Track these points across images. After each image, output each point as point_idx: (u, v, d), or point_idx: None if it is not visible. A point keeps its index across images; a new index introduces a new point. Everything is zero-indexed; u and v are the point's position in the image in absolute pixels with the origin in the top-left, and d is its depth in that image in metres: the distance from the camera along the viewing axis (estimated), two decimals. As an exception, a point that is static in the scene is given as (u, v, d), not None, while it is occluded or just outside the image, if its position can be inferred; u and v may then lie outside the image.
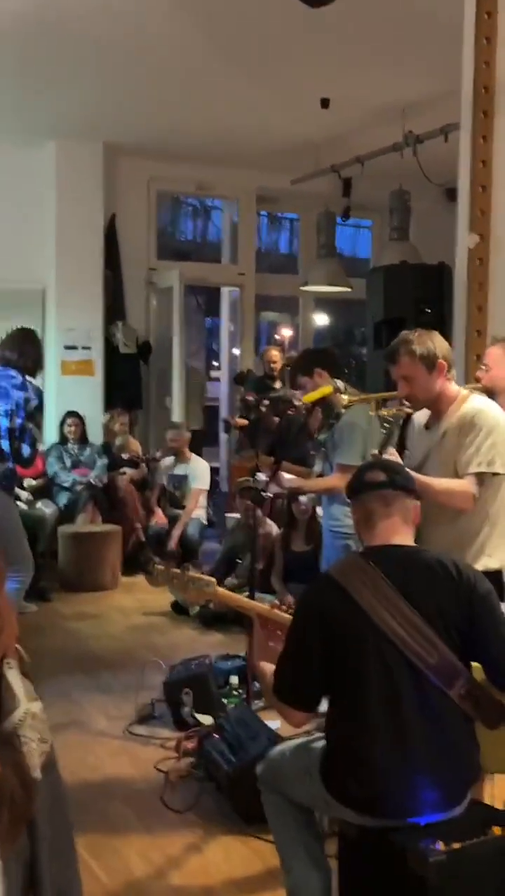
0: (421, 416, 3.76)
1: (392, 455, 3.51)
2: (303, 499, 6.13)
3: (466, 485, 3.42)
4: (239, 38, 6.46)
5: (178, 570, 3.16)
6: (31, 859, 1.74)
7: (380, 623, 2.56)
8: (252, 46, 6.59)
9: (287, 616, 3.02)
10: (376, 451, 3.52)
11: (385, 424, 3.62)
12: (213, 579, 3.15)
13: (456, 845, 2.50)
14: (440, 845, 2.49)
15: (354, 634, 2.59)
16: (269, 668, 2.84)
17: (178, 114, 8.12)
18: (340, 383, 4.32)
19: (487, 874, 2.55)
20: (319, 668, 2.63)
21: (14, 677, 1.75)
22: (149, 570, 3.28)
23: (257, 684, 4.86)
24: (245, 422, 8.61)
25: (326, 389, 4.33)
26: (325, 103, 7.56)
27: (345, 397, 4.08)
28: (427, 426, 3.69)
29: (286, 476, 4.85)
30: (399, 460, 3.53)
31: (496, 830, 2.61)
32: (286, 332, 12.55)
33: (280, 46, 6.51)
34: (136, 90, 7.57)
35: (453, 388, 3.60)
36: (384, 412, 3.96)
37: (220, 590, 3.17)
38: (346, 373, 4.96)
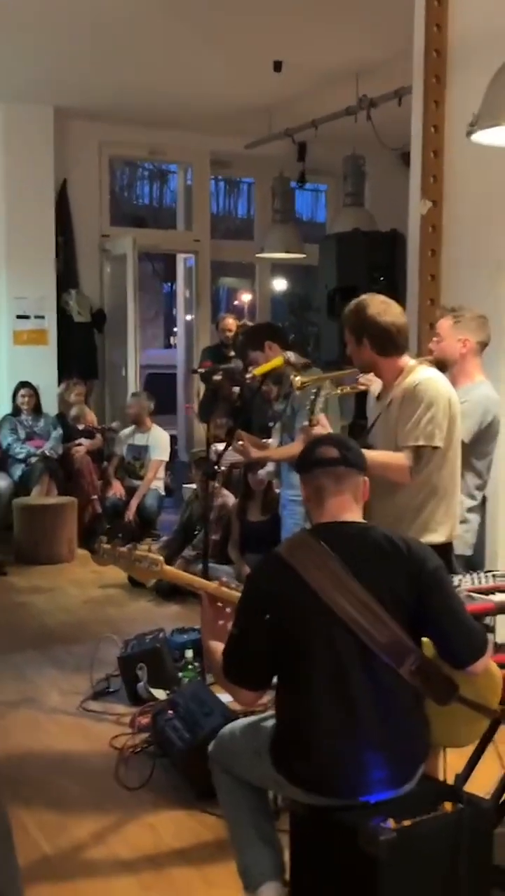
0: (378, 385, 3.71)
1: (322, 421, 3.48)
2: (261, 472, 6.08)
3: (400, 458, 3.36)
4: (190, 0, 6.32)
5: (124, 549, 3.10)
6: None
7: (329, 602, 2.53)
8: (204, 8, 6.45)
9: (235, 593, 2.98)
10: (306, 423, 3.48)
11: (312, 392, 3.61)
12: (161, 557, 3.09)
13: (406, 822, 2.49)
14: (390, 823, 2.48)
15: (303, 613, 2.55)
16: (217, 646, 2.80)
17: (129, 77, 7.96)
18: (290, 354, 4.28)
19: (438, 850, 2.55)
20: (268, 647, 2.59)
21: None
22: (94, 548, 3.20)
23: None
24: None
25: (276, 361, 4.30)
26: (277, 66, 7.45)
27: (298, 379, 4.01)
28: (378, 396, 3.65)
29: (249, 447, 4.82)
30: (328, 426, 3.50)
31: (447, 806, 2.61)
32: (245, 298, 12.45)
33: (233, 8, 6.38)
34: (85, 53, 7.40)
35: (402, 360, 3.52)
36: (303, 379, 3.95)
37: (168, 568, 3.12)
38: (297, 343, 4.92)
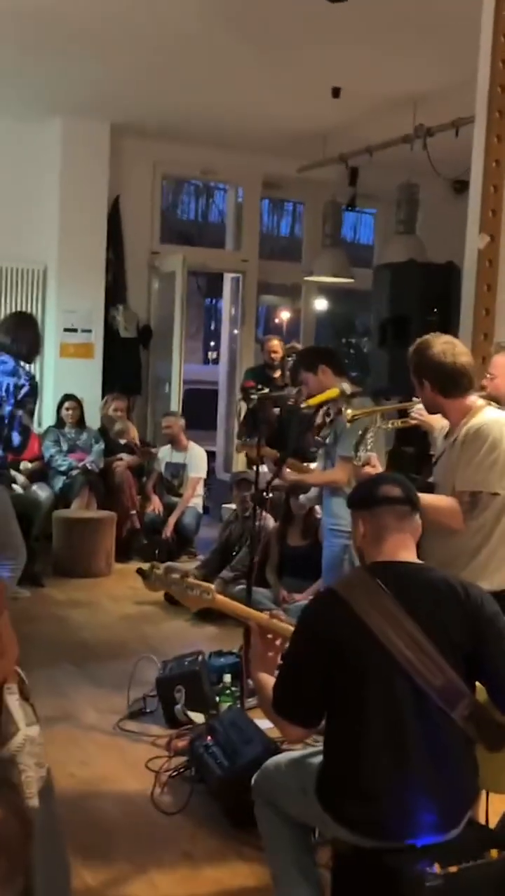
0: (434, 420, 3.69)
1: (374, 461, 3.47)
2: (302, 497, 6.08)
3: (452, 502, 3.32)
4: (252, 22, 6.36)
5: (177, 576, 3.10)
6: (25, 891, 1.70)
7: (385, 642, 2.52)
8: (265, 31, 6.49)
9: (286, 626, 2.98)
10: (353, 454, 3.47)
11: (361, 426, 3.60)
12: (213, 586, 3.09)
13: (452, 869, 2.47)
14: (436, 868, 2.46)
15: (358, 652, 2.55)
16: (267, 680, 2.80)
17: (186, 97, 8.01)
18: (345, 385, 4.28)
19: (483, 897, 2.53)
20: (320, 684, 2.58)
21: (13, 703, 1.71)
22: (146, 573, 3.20)
23: (251, 682, 4.84)
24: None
25: (332, 392, 4.30)
26: (336, 92, 7.47)
27: (349, 412, 4.01)
28: (447, 435, 3.61)
29: (286, 469, 4.84)
30: (377, 465, 3.48)
31: (493, 853, 2.58)
32: (284, 315, 12.47)
33: (293, 32, 6.41)
34: (144, 70, 7.45)
35: (469, 399, 3.48)
36: (355, 413, 3.94)
37: (220, 597, 3.11)
38: (346, 371, 4.92)
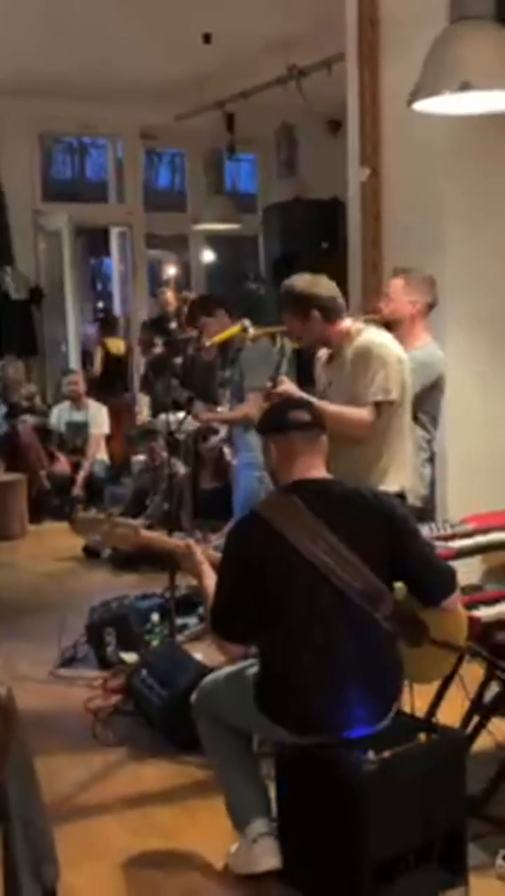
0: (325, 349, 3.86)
1: (285, 382, 3.63)
2: (212, 441, 6.22)
3: (359, 412, 3.51)
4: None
5: (102, 517, 3.22)
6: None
7: (306, 553, 2.69)
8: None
9: (210, 552, 3.14)
10: (269, 383, 3.61)
11: (274, 354, 3.75)
12: (139, 523, 3.23)
13: (386, 754, 2.69)
14: (371, 755, 2.67)
15: (283, 566, 2.72)
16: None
17: (57, 51, 7.91)
18: (247, 322, 4.42)
19: (415, 779, 2.74)
20: (252, 601, 2.75)
21: None
22: (71, 516, 3.31)
23: (179, 620, 5.00)
24: None
25: (235, 329, 4.43)
26: (207, 38, 7.49)
27: (252, 331, 4.18)
28: (329, 360, 3.79)
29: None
30: (293, 387, 3.64)
31: (422, 737, 2.81)
32: (171, 271, 12.48)
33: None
34: (12, 28, 7.36)
35: (346, 323, 3.67)
36: (256, 332, 4.14)
37: (146, 532, 3.25)
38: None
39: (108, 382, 9.55)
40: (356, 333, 3.66)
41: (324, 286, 3.66)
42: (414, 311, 4.27)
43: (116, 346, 9.90)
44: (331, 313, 3.64)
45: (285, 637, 2.73)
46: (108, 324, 10.41)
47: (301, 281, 3.68)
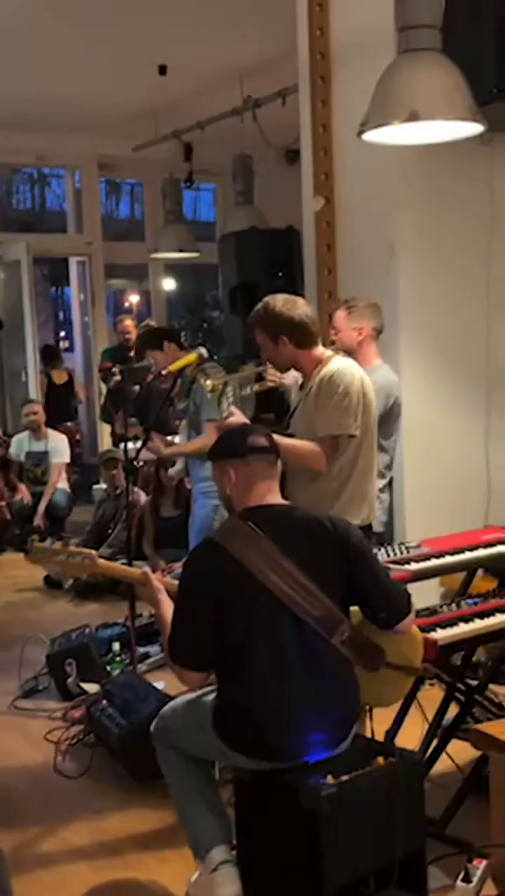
0: (291, 378, 3.85)
1: (235, 413, 3.63)
2: (172, 470, 6.21)
3: (314, 446, 3.45)
4: (71, 1, 6.40)
5: (58, 546, 3.21)
6: None
7: (263, 580, 2.70)
8: (85, 10, 6.52)
9: (168, 580, 3.14)
10: (220, 416, 3.59)
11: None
12: (94, 552, 3.22)
13: (344, 778, 2.69)
14: (329, 779, 2.67)
15: (240, 593, 2.72)
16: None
17: (12, 80, 7.95)
18: (203, 350, 4.44)
19: (374, 802, 2.75)
20: (210, 630, 2.75)
21: None
22: (27, 547, 3.30)
23: (140, 649, 4.98)
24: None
25: (191, 357, 4.44)
26: (162, 70, 7.58)
27: (209, 382, 4.19)
28: (301, 386, 3.74)
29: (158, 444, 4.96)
30: (244, 418, 3.64)
31: (380, 761, 2.81)
32: (133, 299, 12.54)
33: (115, 11, 6.48)
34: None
35: (318, 350, 3.62)
36: (214, 382, 4.18)
37: (102, 561, 3.24)
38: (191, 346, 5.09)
39: (52, 411, 9.56)
40: (326, 361, 3.60)
41: (300, 310, 3.57)
42: (361, 338, 4.31)
43: (59, 376, 10.20)
44: (303, 339, 3.57)
45: (243, 665, 2.73)
46: (50, 356, 10.52)
47: (278, 301, 3.59)
